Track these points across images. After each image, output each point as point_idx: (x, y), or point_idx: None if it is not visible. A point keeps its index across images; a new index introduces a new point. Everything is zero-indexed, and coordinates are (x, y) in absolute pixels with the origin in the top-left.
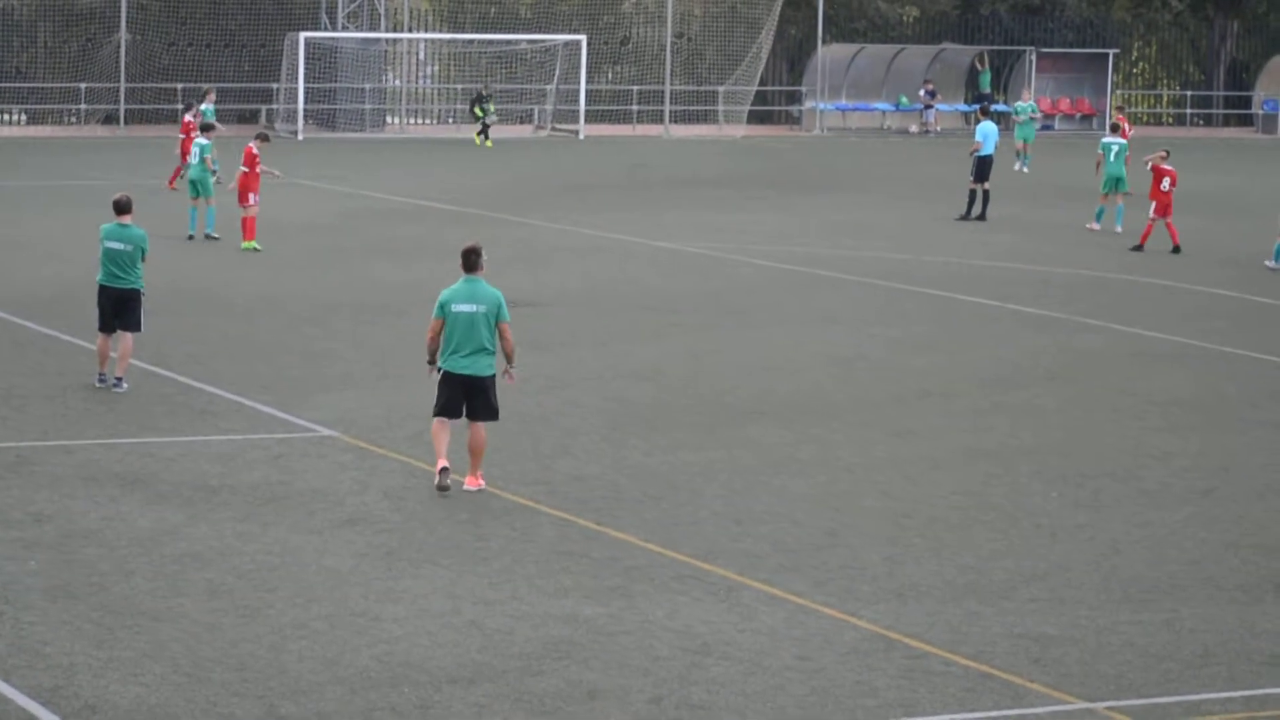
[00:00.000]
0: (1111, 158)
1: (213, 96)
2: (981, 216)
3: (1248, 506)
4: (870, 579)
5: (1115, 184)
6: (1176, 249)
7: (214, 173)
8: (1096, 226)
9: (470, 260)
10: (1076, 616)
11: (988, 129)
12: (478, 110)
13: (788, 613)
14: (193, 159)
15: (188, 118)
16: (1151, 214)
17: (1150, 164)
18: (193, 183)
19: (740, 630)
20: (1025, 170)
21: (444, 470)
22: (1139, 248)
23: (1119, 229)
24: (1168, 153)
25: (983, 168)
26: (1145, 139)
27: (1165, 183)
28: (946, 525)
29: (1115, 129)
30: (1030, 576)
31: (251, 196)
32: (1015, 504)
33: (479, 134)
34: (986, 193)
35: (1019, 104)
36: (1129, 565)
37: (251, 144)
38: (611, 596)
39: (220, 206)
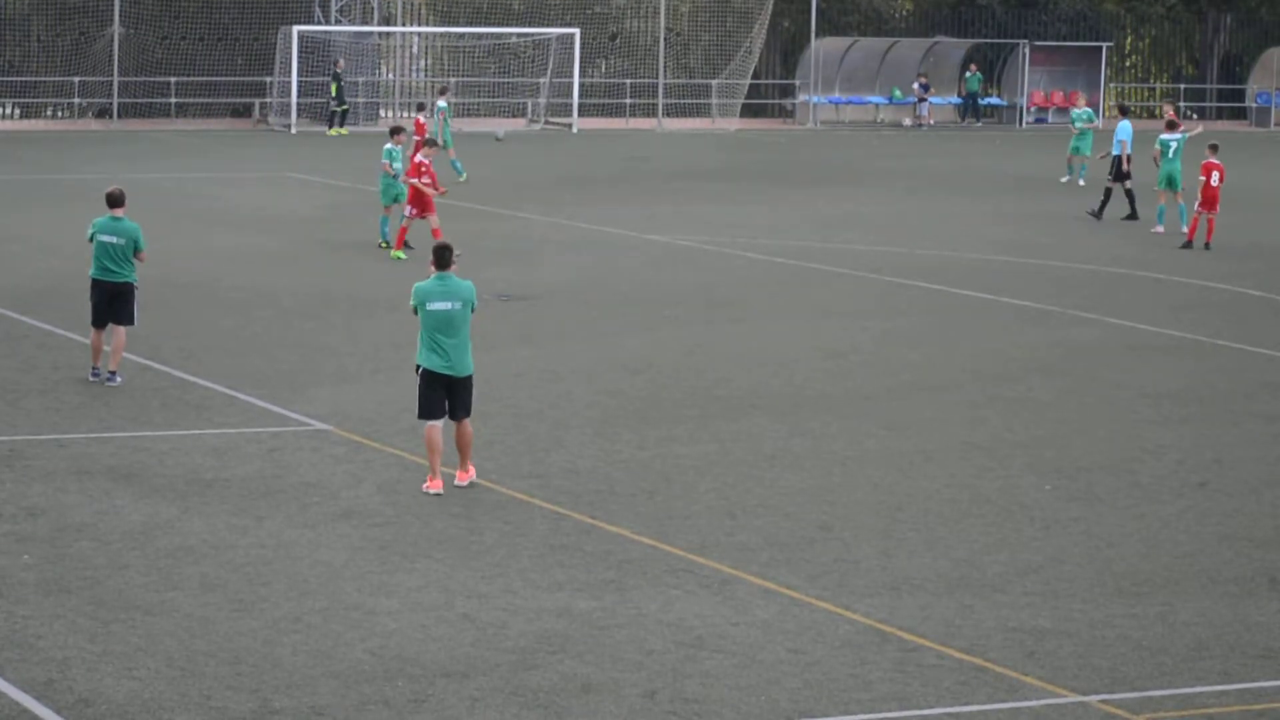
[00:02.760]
0: (1170, 154)
1: (449, 94)
2: (1098, 214)
3: (1241, 500)
4: (864, 572)
5: (1170, 181)
6: (1207, 245)
7: (395, 176)
8: (1161, 229)
9: (444, 257)
10: (1070, 610)
11: (1126, 129)
12: (333, 88)
13: (781, 606)
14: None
15: (420, 117)
16: (1197, 208)
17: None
18: (382, 190)
19: (734, 624)
20: (1082, 183)
21: (435, 493)
22: (1202, 244)
23: (1185, 229)
24: (1216, 146)
25: (1120, 167)
26: (1141, 131)
27: (1214, 177)
28: (940, 518)
29: (1173, 126)
30: (1024, 570)
31: (409, 208)
32: (1009, 497)
33: (332, 125)
34: (1129, 191)
35: (1076, 110)
36: (1123, 558)
37: (420, 155)
38: (605, 590)
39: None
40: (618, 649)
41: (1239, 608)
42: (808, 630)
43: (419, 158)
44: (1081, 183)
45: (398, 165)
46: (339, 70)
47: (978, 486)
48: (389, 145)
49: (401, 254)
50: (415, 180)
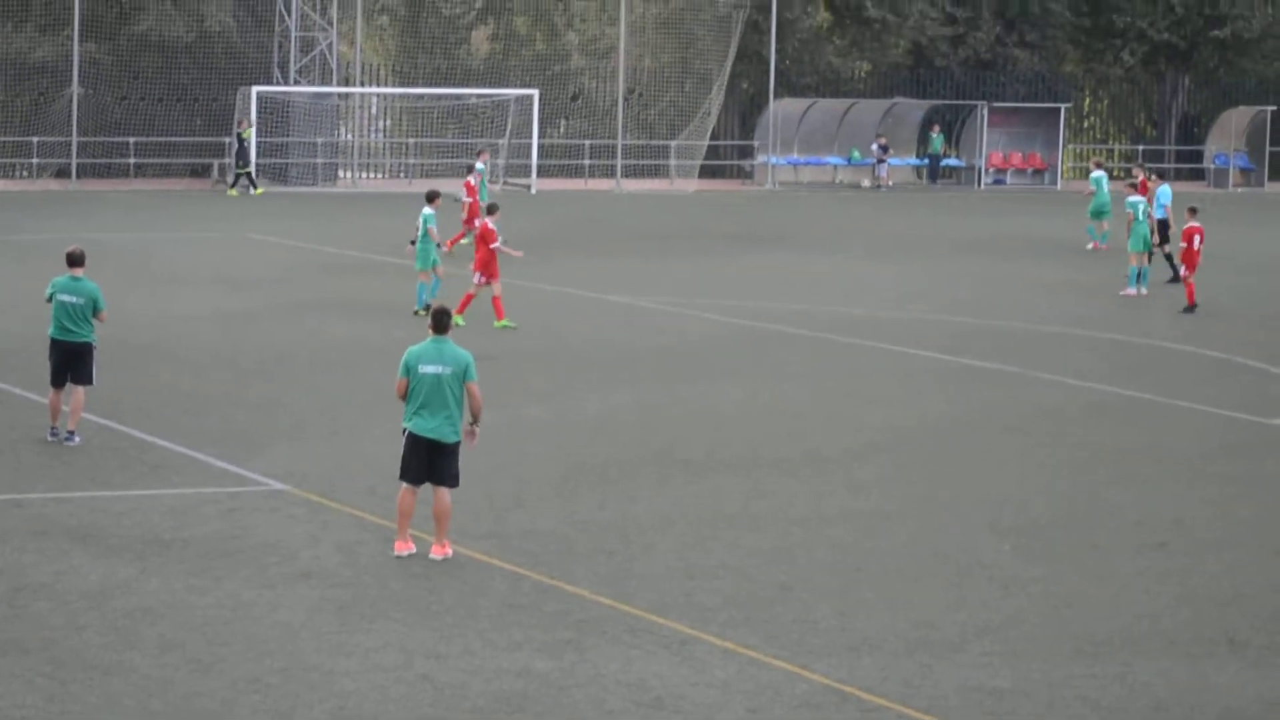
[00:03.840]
0: (1140, 216)
1: (486, 156)
2: (1176, 278)
3: (1200, 560)
4: (822, 632)
5: (1145, 243)
6: (1190, 308)
7: (440, 245)
8: (1135, 291)
9: (441, 321)
10: (1029, 670)
11: (1167, 193)
12: (245, 134)
13: (740, 666)
14: (420, 229)
15: (470, 180)
16: (1184, 272)
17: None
18: (420, 254)
19: (692, 684)
20: (1104, 246)
21: (406, 554)
22: (1190, 309)
23: (1144, 291)
24: (1195, 209)
25: (1163, 230)
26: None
27: (1195, 240)
28: (899, 578)
29: (1135, 188)
30: (983, 629)
31: (479, 275)
32: (968, 557)
33: (233, 186)
34: (1168, 255)
35: (1097, 174)
36: (1081, 618)
37: (487, 219)
38: (564, 650)
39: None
40: (576, 709)
41: (1198, 668)
42: (766, 690)
43: (489, 224)
44: (1103, 246)
45: (434, 229)
46: (240, 130)
47: (937, 546)
48: (428, 210)
49: (461, 320)
50: (498, 245)
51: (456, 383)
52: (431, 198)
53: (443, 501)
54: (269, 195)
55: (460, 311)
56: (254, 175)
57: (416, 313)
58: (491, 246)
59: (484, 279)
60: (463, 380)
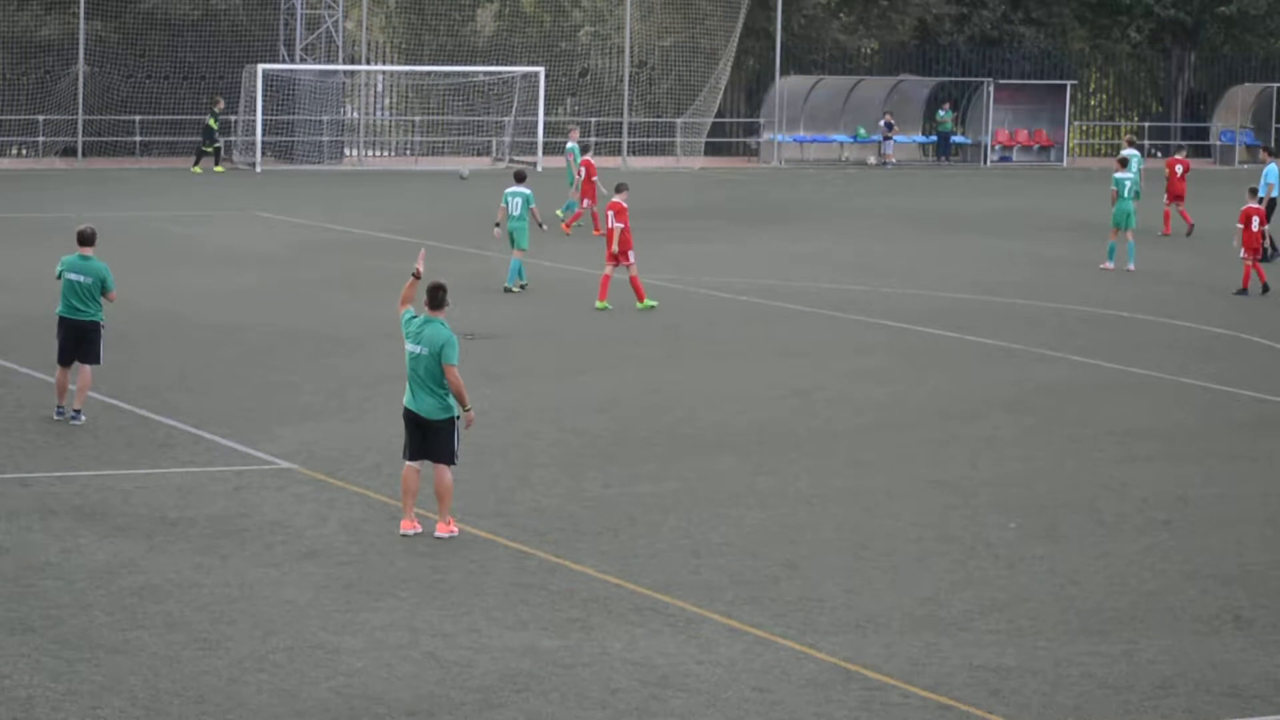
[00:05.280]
0: (1125, 193)
1: (576, 133)
2: (1269, 256)
3: (1205, 537)
4: (828, 610)
5: (1126, 219)
6: (1266, 288)
7: (541, 224)
8: (1110, 265)
9: (435, 297)
10: (1035, 647)
11: (1274, 172)
12: (211, 121)
13: (746, 645)
14: (513, 210)
15: (588, 157)
16: (1243, 255)
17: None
18: (510, 233)
19: (699, 662)
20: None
21: (411, 533)
22: (1243, 291)
23: (1131, 267)
24: (1256, 190)
25: (1269, 209)
26: (1106, 169)
27: (1255, 222)
28: (905, 556)
29: (1125, 163)
30: (989, 608)
31: (630, 254)
32: (973, 535)
33: (197, 163)
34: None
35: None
36: (1087, 596)
37: (618, 197)
38: (570, 628)
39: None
40: (583, 688)
41: (1204, 645)
42: (772, 669)
43: (621, 202)
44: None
45: (535, 209)
46: (216, 110)
47: (942, 525)
48: (526, 190)
49: (607, 304)
50: (622, 225)
51: (434, 363)
52: (521, 177)
53: (443, 479)
54: (272, 173)
55: (603, 297)
56: (204, 155)
57: (508, 289)
58: (616, 225)
59: (620, 259)
60: (439, 362)
